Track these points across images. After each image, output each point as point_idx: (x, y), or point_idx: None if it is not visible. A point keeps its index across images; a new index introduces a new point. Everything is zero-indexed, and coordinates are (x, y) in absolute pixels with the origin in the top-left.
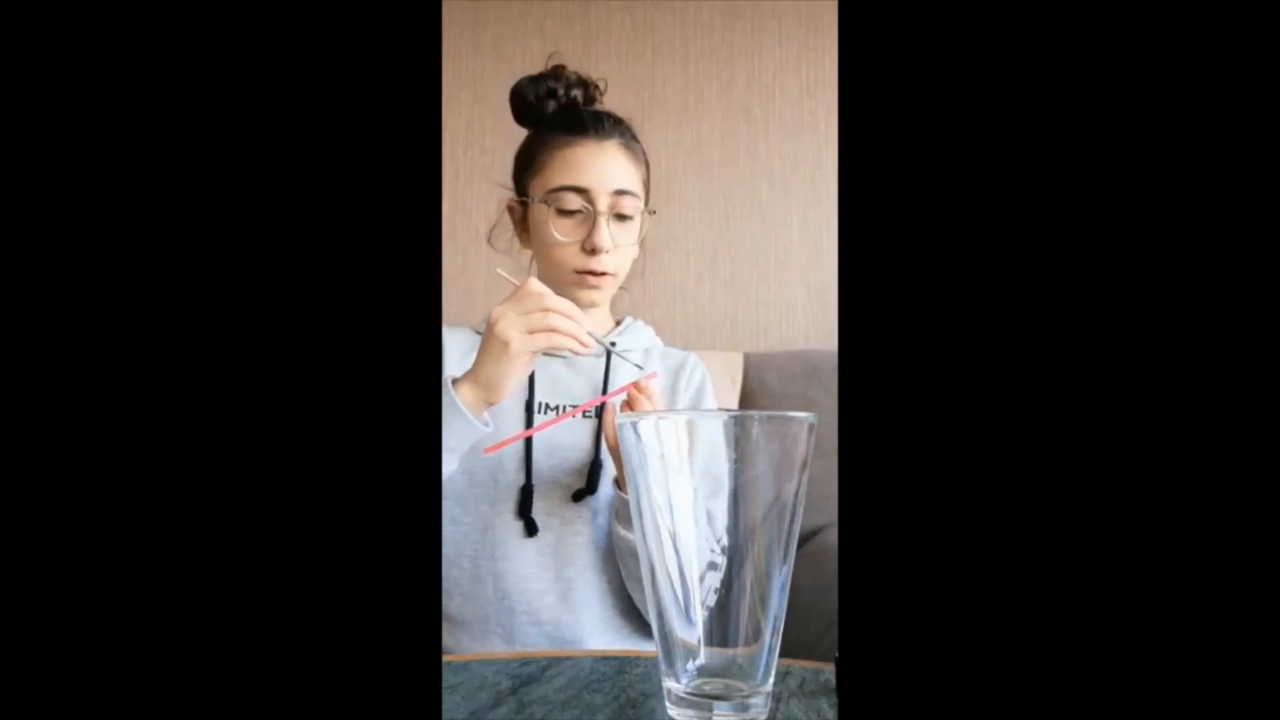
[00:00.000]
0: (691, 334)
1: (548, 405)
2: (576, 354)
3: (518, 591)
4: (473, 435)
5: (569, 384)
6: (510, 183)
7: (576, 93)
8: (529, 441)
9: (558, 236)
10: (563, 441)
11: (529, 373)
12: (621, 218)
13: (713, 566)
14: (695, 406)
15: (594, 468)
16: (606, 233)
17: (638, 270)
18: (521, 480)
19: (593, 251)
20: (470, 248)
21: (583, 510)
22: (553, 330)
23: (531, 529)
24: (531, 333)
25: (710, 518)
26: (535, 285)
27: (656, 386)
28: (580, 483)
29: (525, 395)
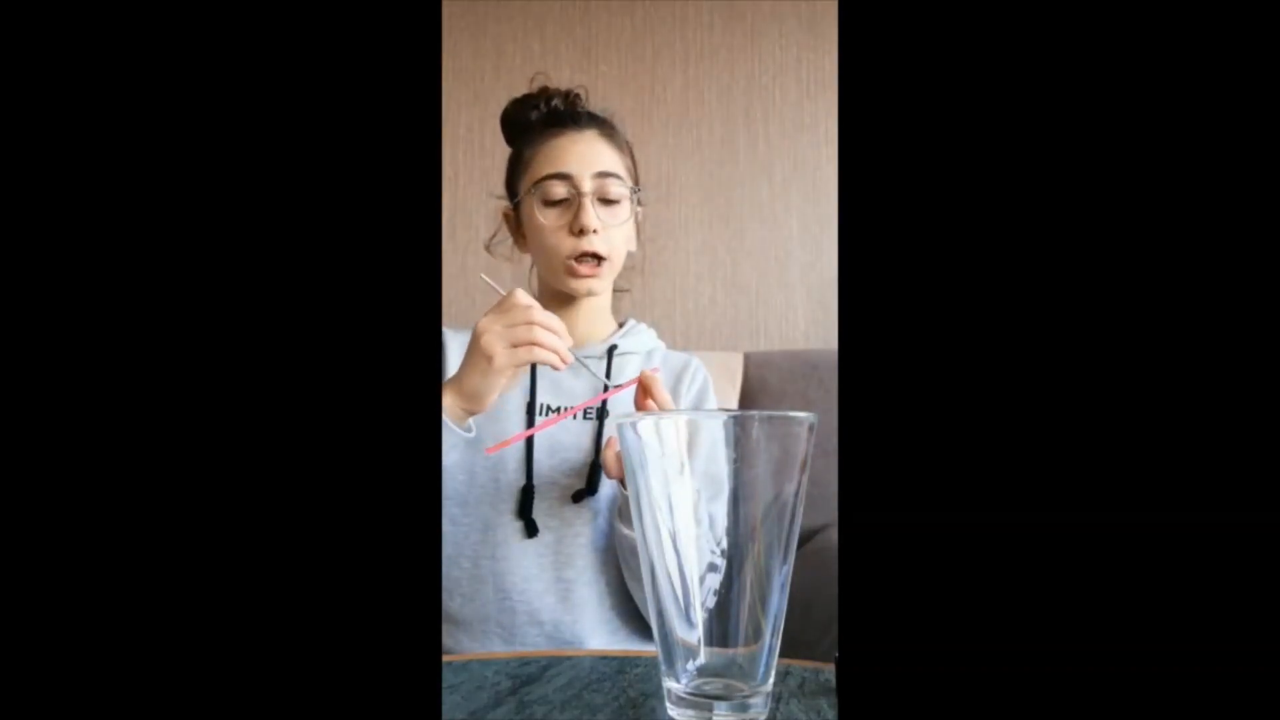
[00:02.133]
0: (691, 334)
1: (549, 406)
2: (555, 368)
3: (518, 592)
4: (455, 443)
5: (570, 385)
6: (504, 192)
7: (557, 102)
8: (530, 442)
9: (544, 223)
10: (563, 442)
11: (516, 382)
12: (608, 202)
13: (713, 568)
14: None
15: (594, 468)
16: (593, 212)
17: (638, 269)
18: (522, 480)
19: (581, 233)
20: (470, 248)
21: (583, 511)
22: (535, 344)
23: (532, 529)
24: (515, 346)
25: (711, 521)
26: (521, 297)
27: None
28: (581, 483)
29: (526, 396)
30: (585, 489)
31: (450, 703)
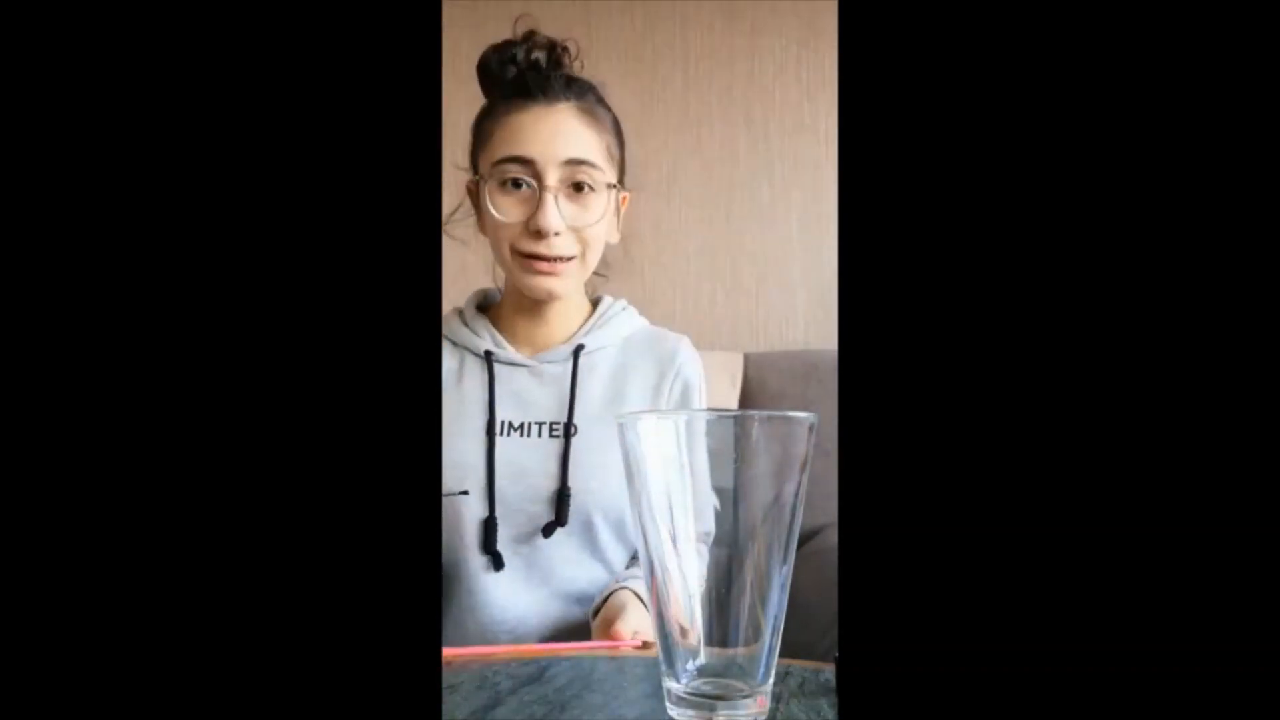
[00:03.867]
0: (691, 334)
1: (510, 425)
2: None
3: (496, 622)
4: None
5: (535, 397)
6: (468, 162)
7: (539, 55)
8: (491, 470)
9: (499, 216)
10: (527, 467)
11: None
12: (579, 188)
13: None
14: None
15: (561, 498)
16: (554, 211)
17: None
18: (484, 512)
19: (538, 234)
20: (470, 246)
21: (554, 535)
22: None
23: (498, 564)
24: None
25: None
26: None
27: (639, 384)
28: (548, 511)
29: (486, 415)
30: (555, 521)
31: (450, 703)
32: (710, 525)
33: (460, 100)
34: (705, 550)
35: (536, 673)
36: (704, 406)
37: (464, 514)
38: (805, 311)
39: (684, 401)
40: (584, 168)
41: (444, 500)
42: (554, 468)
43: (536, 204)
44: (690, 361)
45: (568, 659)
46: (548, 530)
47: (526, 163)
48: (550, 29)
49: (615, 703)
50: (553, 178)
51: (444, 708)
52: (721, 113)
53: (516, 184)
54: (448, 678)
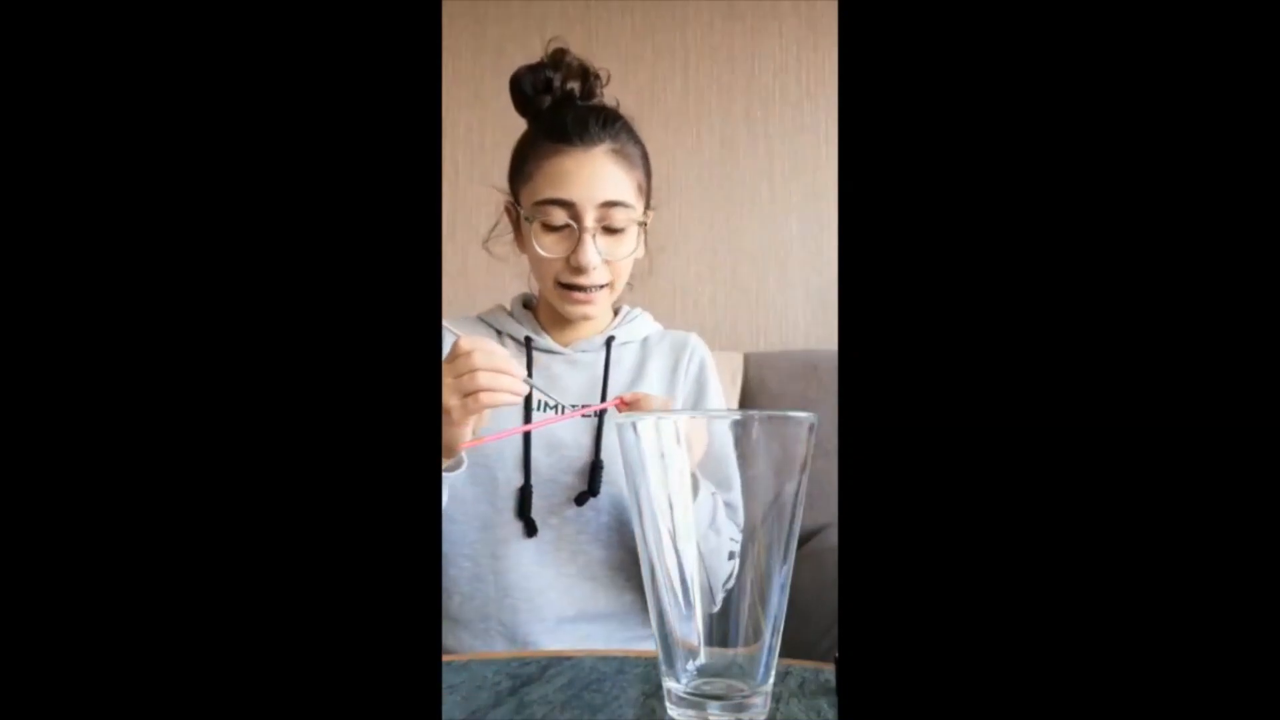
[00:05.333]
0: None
1: (546, 404)
2: (512, 404)
3: (519, 590)
4: (444, 485)
5: (569, 383)
6: (506, 184)
7: (574, 85)
8: (527, 441)
9: (542, 253)
10: (563, 440)
11: (483, 422)
12: (612, 231)
13: (730, 556)
14: (698, 386)
15: (594, 469)
16: (592, 249)
17: (643, 271)
18: (520, 479)
19: (578, 269)
20: (470, 247)
21: (585, 509)
22: (484, 390)
23: (531, 529)
24: (466, 396)
25: (730, 510)
26: (463, 345)
27: (658, 369)
28: (581, 483)
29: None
30: (587, 491)
31: (450, 703)
32: (734, 496)
33: (460, 100)
34: (734, 545)
35: (536, 673)
36: (718, 385)
37: (499, 482)
38: (805, 311)
39: (701, 375)
40: (617, 209)
41: (480, 468)
42: (587, 441)
43: (576, 241)
44: (700, 346)
45: (568, 659)
46: (580, 499)
47: (567, 205)
48: (550, 29)
49: (615, 703)
50: (590, 218)
51: (444, 708)
52: (721, 113)
53: (556, 228)
54: (448, 677)
